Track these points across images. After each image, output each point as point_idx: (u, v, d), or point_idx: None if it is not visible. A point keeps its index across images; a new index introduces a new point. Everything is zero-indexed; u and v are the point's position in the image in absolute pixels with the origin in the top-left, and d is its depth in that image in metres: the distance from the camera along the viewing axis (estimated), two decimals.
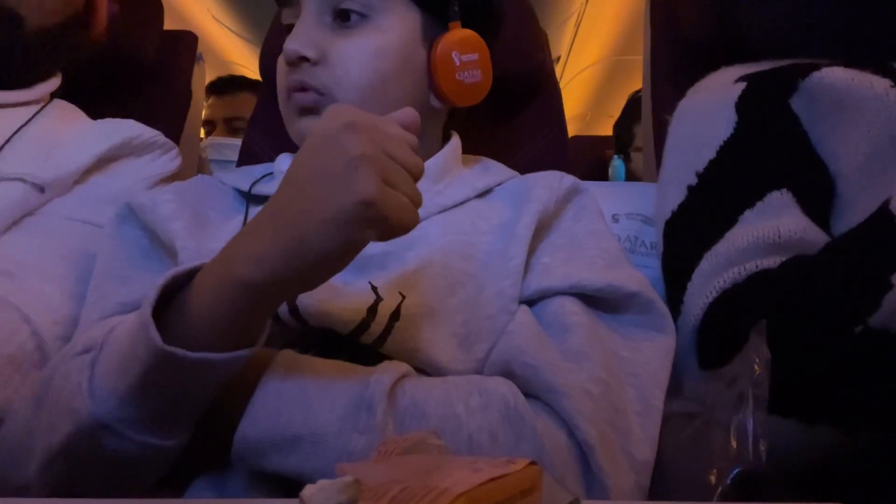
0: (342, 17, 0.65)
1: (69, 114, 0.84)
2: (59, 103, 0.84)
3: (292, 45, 0.64)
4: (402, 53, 0.67)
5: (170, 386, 0.45)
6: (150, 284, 0.50)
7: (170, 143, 0.84)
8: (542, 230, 0.63)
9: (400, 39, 0.67)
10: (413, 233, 0.62)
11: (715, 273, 0.61)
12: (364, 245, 0.45)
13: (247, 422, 0.46)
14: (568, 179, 0.68)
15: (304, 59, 0.64)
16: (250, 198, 0.67)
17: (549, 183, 0.66)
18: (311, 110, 0.65)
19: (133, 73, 1.07)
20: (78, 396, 0.46)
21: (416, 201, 0.46)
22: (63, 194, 0.75)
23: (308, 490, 0.27)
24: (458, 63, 0.69)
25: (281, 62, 0.67)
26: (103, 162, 0.78)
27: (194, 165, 1.21)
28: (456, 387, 0.50)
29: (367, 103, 0.65)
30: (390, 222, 0.43)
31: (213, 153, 1.80)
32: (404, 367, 0.50)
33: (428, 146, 0.70)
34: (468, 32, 0.70)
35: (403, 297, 0.56)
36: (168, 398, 0.46)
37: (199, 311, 0.45)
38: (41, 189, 0.72)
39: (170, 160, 0.84)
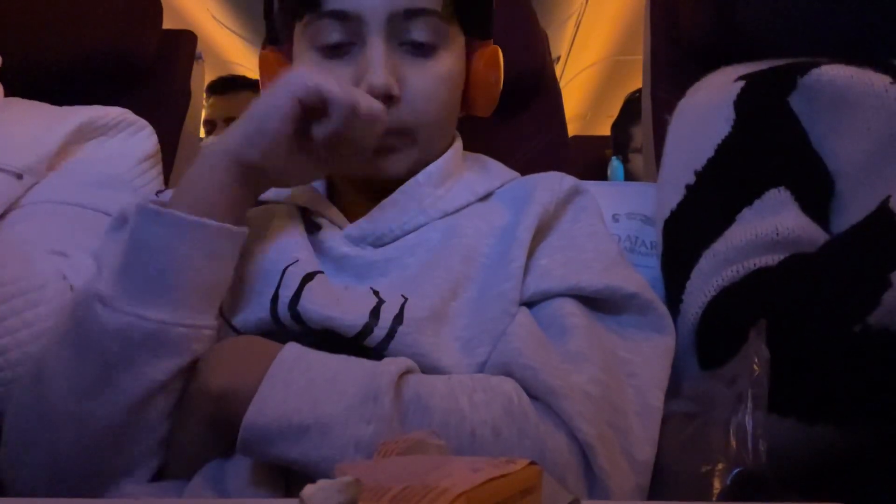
0: (415, 47, 0.64)
1: (30, 106, 0.83)
2: (17, 99, 0.83)
3: (381, 80, 0.60)
4: (459, 76, 0.69)
5: (158, 250, 0.51)
6: None
7: (141, 121, 0.83)
8: (541, 231, 0.63)
9: (458, 63, 0.68)
10: (414, 238, 0.63)
11: (714, 272, 0.61)
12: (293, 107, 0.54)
13: (254, 410, 0.46)
14: (568, 181, 0.67)
15: (389, 96, 0.61)
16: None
17: (550, 185, 0.66)
18: (388, 149, 0.64)
19: (132, 73, 1.07)
20: (83, 286, 0.53)
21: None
22: (40, 179, 0.74)
23: (308, 490, 0.27)
24: (492, 80, 0.72)
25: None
26: (73, 143, 0.77)
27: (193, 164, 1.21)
28: (460, 383, 0.50)
29: (439, 134, 0.68)
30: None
31: None
32: (409, 363, 0.51)
33: (441, 149, 0.71)
34: (497, 49, 0.72)
35: (406, 298, 0.56)
36: (157, 265, 0.51)
37: (190, 187, 0.54)
38: (19, 176, 0.72)
39: (146, 137, 0.82)
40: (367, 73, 0.61)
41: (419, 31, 0.63)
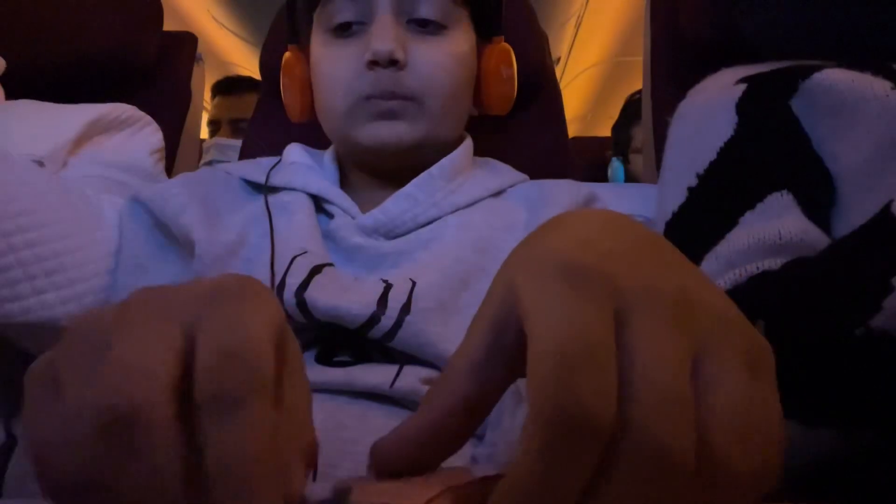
0: (421, 24, 0.65)
1: (36, 104, 0.83)
2: (21, 101, 0.83)
3: (385, 45, 0.62)
4: (470, 64, 0.70)
5: None
6: (170, 277, 0.49)
7: (147, 117, 0.85)
8: None
9: (468, 50, 0.69)
10: (428, 233, 0.63)
11: (715, 275, 0.61)
12: None
13: None
14: (585, 186, 0.69)
15: (394, 61, 0.63)
16: (268, 189, 0.67)
17: (568, 189, 0.68)
18: (392, 115, 0.65)
19: (133, 74, 1.07)
20: None
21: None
22: (59, 168, 0.73)
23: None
24: (504, 76, 0.73)
25: (347, 64, 0.65)
26: (86, 138, 0.77)
27: (194, 166, 1.21)
28: None
29: (447, 111, 0.67)
30: None
31: (218, 154, 1.81)
32: None
33: (451, 134, 0.72)
34: (508, 46, 0.73)
35: (414, 282, 0.56)
36: None
37: None
38: (40, 163, 0.71)
39: (153, 132, 0.84)
40: (372, 42, 0.63)
41: (427, 8, 0.65)
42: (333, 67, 0.66)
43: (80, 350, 0.23)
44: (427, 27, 0.65)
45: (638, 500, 0.20)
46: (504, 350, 0.23)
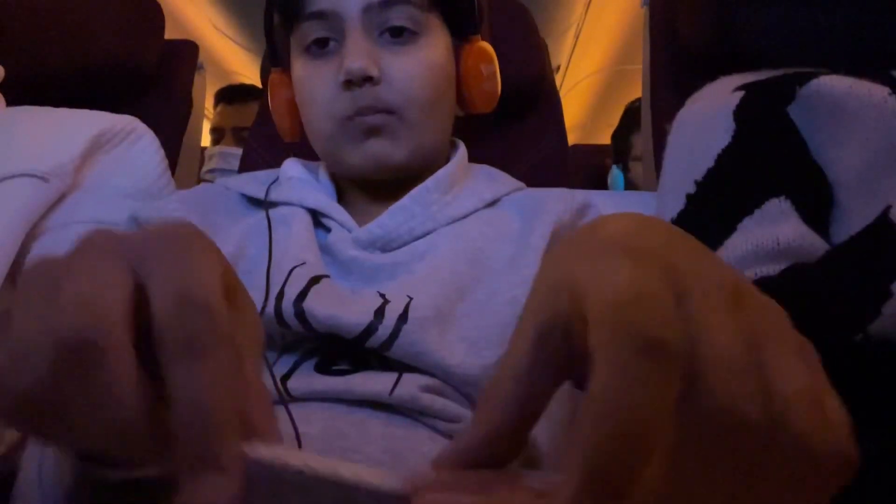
0: (393, 34, 0.65)
1: (36, 112, 0.82)
2: (20, 108, 0.82)
3: (357, 63, 0.62)
4: (446, 67, 0.69)
5: None
6: None
7: (149, 131, 0.84)
8: (556, 241, 0.63)
9: (443, 54, 0.69)
10: (423, 245, 0.63)
11: None
12: None
13: None
14: (579, 194, 0.69)
15: (369, 78, 0.63)
16: (268, 205, 0.67)
17: (562, 197, 0.67)
18: (375, 131, 0.65)
19: (134, 83, 1.07)
20: None
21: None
22: (67, 184, 0.73)
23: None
24: (484, 74, 0.72)
25: (325, 85, 0.65)
26: (90, 155, 0.76)
27: (195, 175, 1.21)
28: None
29: (429, 118, 0.67)
30: None
31: (221, 162, 1.82)
32: None
33: (442, 154, 0.72)
34: (486, 44, 0.73)
35: (411, 298, 0.56)
36: None
37: None
38: (45, 179, 0.71)
39: (159, 148, 0.83)
40: (345, 61, 0.63)
41: (397, 19, 0.65)
42: (313, 89, 0.66)
43: (33, 289, 0.25)
44: (399, 37, 0.65)
45: (714, 458, 0.21)
46: (550, 352, 0.23)
